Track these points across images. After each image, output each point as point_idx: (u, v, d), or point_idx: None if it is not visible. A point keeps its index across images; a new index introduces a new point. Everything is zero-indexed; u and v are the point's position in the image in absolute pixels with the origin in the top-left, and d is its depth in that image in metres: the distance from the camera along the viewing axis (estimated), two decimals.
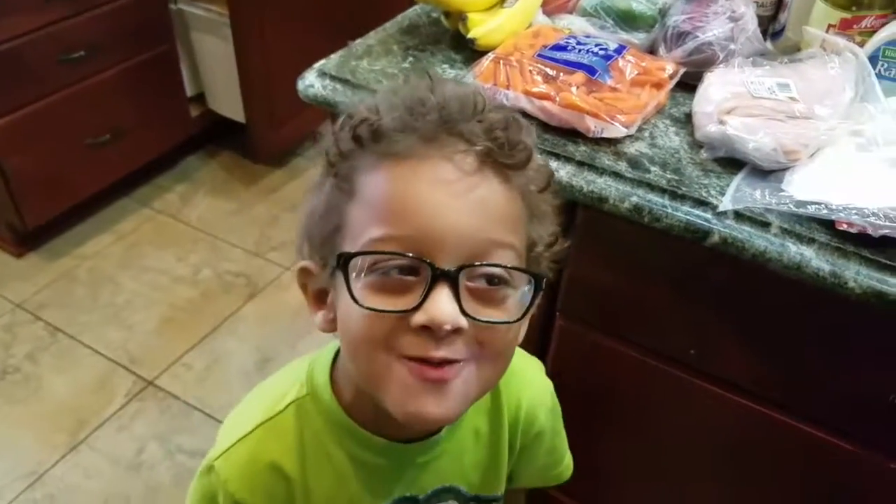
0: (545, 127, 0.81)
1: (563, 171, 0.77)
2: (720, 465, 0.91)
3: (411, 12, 1.03)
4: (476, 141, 0.51)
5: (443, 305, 0.49)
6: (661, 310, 0.83)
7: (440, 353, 0.51)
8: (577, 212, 0.81)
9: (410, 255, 0.50)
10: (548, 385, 0.75)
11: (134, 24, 2.00)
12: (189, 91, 2.24)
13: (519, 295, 0.54)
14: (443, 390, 0.52)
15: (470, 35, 0.92)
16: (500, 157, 0.52)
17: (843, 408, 0.78)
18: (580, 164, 0.78)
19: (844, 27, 0.84)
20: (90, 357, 1.79)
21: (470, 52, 0.93)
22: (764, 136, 0.73)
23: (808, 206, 0.69)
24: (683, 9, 0.88)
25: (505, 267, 0.52)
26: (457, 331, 0.50)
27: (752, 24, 0.86)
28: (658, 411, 0.91)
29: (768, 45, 0.91)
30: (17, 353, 1.80)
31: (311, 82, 0.90)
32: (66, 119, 1.94)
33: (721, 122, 0.76)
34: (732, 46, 0.86)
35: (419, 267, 0.50)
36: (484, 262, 0.51)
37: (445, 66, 0.92)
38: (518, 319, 0.53)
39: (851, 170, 0.72)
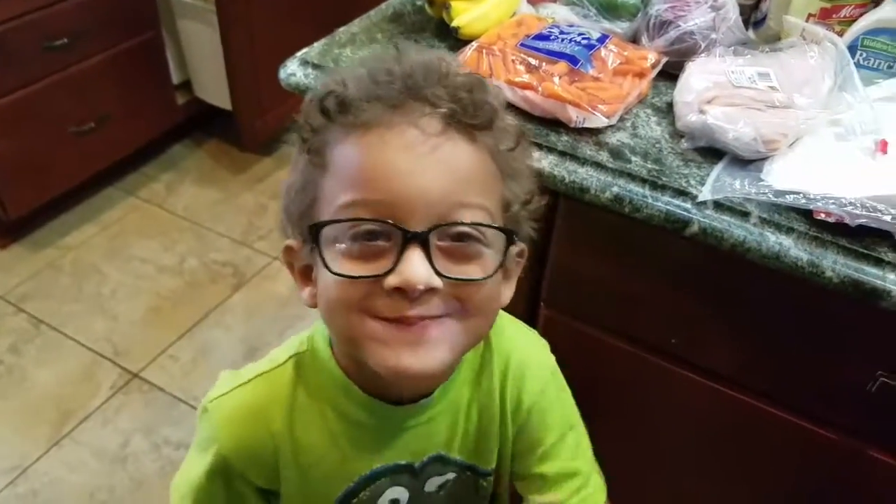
0: (528, 117, 0.81)
1: (545, 161, 0.77)
2: (704, 454, 0.92)
3: (395, 1, 1.03)
4: (440, 104, 0.52)
5: (415, 267, 0.50)
6: (643, 299, 0.83)
7: (415, 311, 0.52)
8: (559, 201, 0.81)
9: (380, 219, 0.51)
10: (546, 360, 0.72)
11: (119, 10, 1.98)
12: (175, 79, 2.22)
13: (493, 252, 0.55)
14: (421, 343, 0.53)
15: (454, 24, 0.92)
16: (465, 118, 0.53)
17: (822, 396, 0.79)
18: (562, 154, 0.78)
19: (824, 16, 0.84)
20: (75, 349, 1.78)
21: (454, 40, 0.93)
22: (744, 126, 0.74)
23: (787, 196, 0.69)
24: None
25: (473, 224, 0.53)
26: (431, 290, 0.52)
27: (733, 13, 0.86)
28: (642, 400, 0.92)
29: (750, 34, 0.91)
30: (0, 345, 1.79)
31: (293, 71, 0.89)
32: (50, 107, 1.92)
33: (702, 112, 0.76)
34: (714, 36, 0.86)
35: (390, 231, 0.51)
36: (453, 222, 0.52)
37: (446, 50, 0.92)
38: (491, 275, 0.54)
39: (830, 159, 0.72)
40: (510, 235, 0.55)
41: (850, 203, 0.67)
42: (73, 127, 1.98)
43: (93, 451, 1.57)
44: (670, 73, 0.86)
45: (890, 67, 0.81)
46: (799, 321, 0.76)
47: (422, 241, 0.51)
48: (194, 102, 2.30)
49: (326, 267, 0.52)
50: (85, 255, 2.04)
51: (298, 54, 0.91)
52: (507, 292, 0.61)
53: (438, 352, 0.54)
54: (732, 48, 0.86)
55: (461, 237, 0.53)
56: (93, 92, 2.01)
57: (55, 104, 1.93)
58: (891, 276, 0.66)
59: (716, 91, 0.78)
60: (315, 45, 0.93)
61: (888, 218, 0.65)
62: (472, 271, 0.54)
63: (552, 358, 0.73)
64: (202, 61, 2.20)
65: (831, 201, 0.68)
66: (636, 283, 0.82)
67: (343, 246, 0.52)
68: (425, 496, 0.69)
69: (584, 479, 0.71)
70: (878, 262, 0.67)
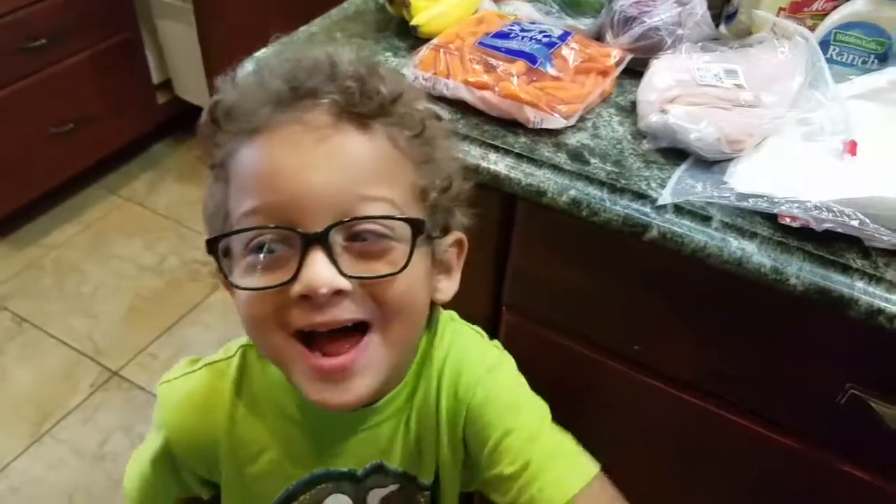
0: (486, 118, 0.79)
1: (502, 164, 0.75)
2: (667, 462, 0.89)
3: None
4: (327, 97, 0.49)
5: (317, 270, 0.48)
6: (605, 305, 0.80)
7: (326, 317, 0.49)
8: (517, 204, 0.78)
9: (273, 225, 0.48)
10: (484, 359, 0.66)
11: (96, 10, 1.96)
12: (155, 78, 2.20)
13: (405, 246, 0.51)
14: (345, 376, 0.51)
15: (413, 22, 0.89)
16: (354, 108, 0.50)
17: (790, 406, 0.76)
18: (519, 156, 0.75)
19: (795, 10, 0.81)
20: (56, 347, 1.77)
21: (414, 39, 0.90)
22: (707, 126, 0.71)
23: (750, 199, 0.66)
24: None
25: (372, 218, 0.50)
26: (340, 293, 0.49)
27: (700, 7, 0.83)
28: (606, 407, 0.89)
29: (722, 29, 0.88)
30: None
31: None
32: (29, 108, 1.90)
33: (663, 111, 0.73)
34: (680, 31, 0.83)
35: (288, 236, 0.48)
36: (353, 218, 0.49)
37: (389, 53, 0.89)
38: (402, 269, 0.51)
39: (797, 160, 0.69)
40: (417, 226, 0.52)
41: (816, 207, 0.64)
42: (52, 128, 1.96)
43: (72, 450, 1.56)
44: (636, 71, 0.83)
45: (864, 63, 0.78)
46: (766, 330, 0.73)
47: (322, 241, 0.48)
48: (175, 101, 2.27)
49: (231, 283, 0.50)
50: (67, 254, 2.02)
51: (256, 54, 0.88)
52: (449, 287, 0.59)
53: (364, 381, 0.52)
54: (700, 44, 0.82)
55: (366, 234, 0.50)
56: (72, 92, 1.98)
57: (34, 105, 1.91)
58: (859, 283, 0.63)
59: (679, 89, 0.75)
60: (272, 45, 0.90)
61: (855, 223, 0.62)
62: (381, 268, 0.51)
63: (494, 354, 0.68)
64: (182, 60, 2.17)
65: (796, 205, 0.65)
66: (598, 288, 0.79)
67: (247, 259, 0.50)
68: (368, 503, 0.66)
69: (537, 467, 0.62)
70: (846, 269, 0.64)
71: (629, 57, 0.84)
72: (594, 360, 0.85)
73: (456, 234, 0.59)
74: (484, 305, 0.89)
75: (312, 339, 0.52)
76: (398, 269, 0.51)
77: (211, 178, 0.53)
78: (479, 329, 0.70)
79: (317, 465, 0.63)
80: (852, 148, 0.67)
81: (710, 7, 0.87)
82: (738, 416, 0.79)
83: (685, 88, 0.75)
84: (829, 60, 0.78)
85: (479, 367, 0.65)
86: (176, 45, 2.15)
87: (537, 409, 0.67)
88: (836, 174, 0.66)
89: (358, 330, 0.52)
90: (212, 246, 0.50)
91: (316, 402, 0.52)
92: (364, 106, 0.50)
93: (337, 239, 0.49)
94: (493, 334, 0.90)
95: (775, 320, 0.71)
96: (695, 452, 0.86)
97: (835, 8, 0.79)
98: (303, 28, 0.95)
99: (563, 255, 0.80)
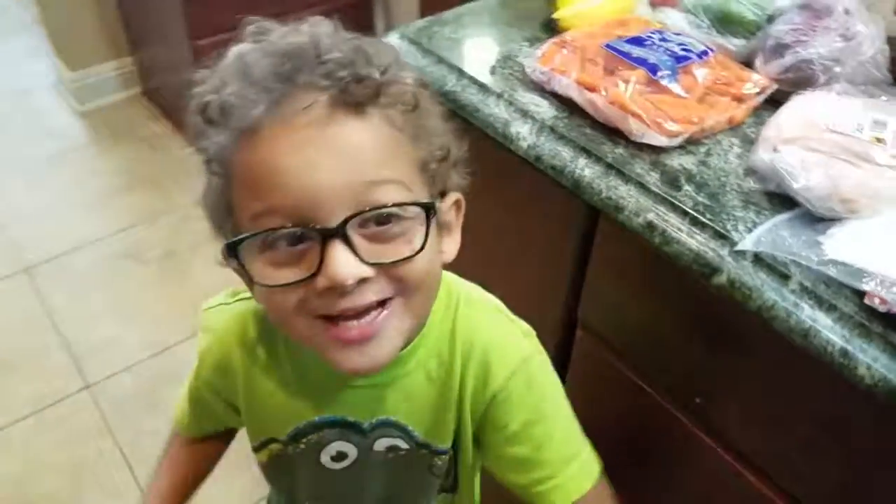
0: (591, 122, 0.75)
1: (588, 171, 0.72)
2: None
3: None
4: (321, 89, 0.49)
5: (340, 263, 0.49)
6: (670, 344, 0.74)
7: (355, 303, 0.52)
8: (599, 217, 0.74)
9: (290, 224, 0.50)
10: (518, 346, 0.65)
11: None
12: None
13: (419, 223, 0.53)
14: (369, 341, 0.53)
15: (555, 15, 0.87)
16: (349, 98, 0.50)
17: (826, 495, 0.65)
18: (609, 166, 0.71)
19: None
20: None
21: (556, 32, 0.88)
22: (818, 176, 0.62)
23: (836, 267, 0.58)
24: (792, 19, 0.76)
25: (387, 207, 0.51)
26: (363, 280, 0.51)
27: (870, 46, 0.72)
28: (660, 455, 0.82)
29: None
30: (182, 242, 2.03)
31: (390, 42, 0.90)
32: None
33: (775, 151, 0.65)
34: (838, 69, 0.73)
35: (306, 233, 0.50)
36: (366, 210, 0.50)
37: (525, 43, 0.88)
38: (421, 248, 0.52)
39: None
40: (429, 207, 0.53)
41: None
42: None
43: None
44: (781, 103, 0.75)
45: None
46: (822, 415, 0.63)
47: (340, 234, 0.50)
48: None
49: (256, 281, 0.53)
50: None
51: (398, 29, 0.92)
52: (452, 246, 0.60)
53: (387, 343, 0.55)
54: (863, 87, 0.72)
55: (383, 219, 0.51)
56: None
57: None
58: None
59: (802, 130, 0.66)
60: (419, 21, 0.93)
61: None
62: (401, 250, 0.52)
63: (530, 346, 0.66)
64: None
65: (891, 286, 0.55)
66: (666, 324, 0.74)
67: (265, 255, 0.52)
68: (374, 455, 0.68)
69: (551, 471, 0.64)
70: None
71: (773, 87, 0.76)
72: (656, 403, 0.78)
73: (454, 195, 0.59)
74: (555, 318, 0.86)
75: (335, 318, 0.54)
76: (416, 250, 0.52)
77: (207, 172, 0.55)
78: (499, 303, 0.68)
79: (323, 410, 0.66)
80: None
81: (893, 51, 0.76)
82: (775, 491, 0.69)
83: (810, 131, 0.66)
84: None
85: (513, 356, 0.64)
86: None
87: (561, 400, 0.67)
88: None
89: (379, 304, 0.54)
90: (231, 249, 0.53)
91: (346, 370, 0.54)
92: (358, 94, 0.50)
93: (354, 229, 0.50)
94: (563, 350, 0.88)
95: (840, 412, 0.61)
96: None
97: None
98: (453, 10, 0.97)
99: (636, 282, 0.75)
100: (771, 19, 0.79)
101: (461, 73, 0.84)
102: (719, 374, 0.71)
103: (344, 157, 0.50)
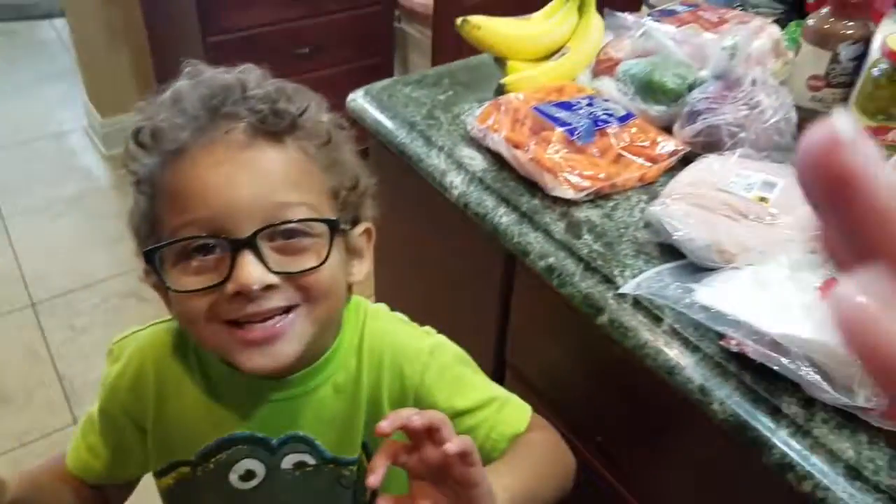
0: (516, 175, 0.82)
1: (506, 219, 0.78)
2: None
3: (483, 57, 1.08)
4: (242, 118, 0.56)
5: (248, 270, 0.55)
6: (575, 384, 0.79)
7: (261, 307, 0.57)
8: (516, 262, 0.80)
9: (205, 234, 0.56)
10: (423, 344, 0.69)
11: (359, 34, 2.27)
12: None
13: (323, 240, 0.58)
14: (270, 342, 0.58)
15: (502, 80, 0.95)
16: (268, 128, 0.57)
17: None
18: (524, 215, 0.77)
19: (875, 135, 0.73)
20: None
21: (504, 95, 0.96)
22: (698, 229, 0.68)
23: (700, 312, 0.63)
24: (707, 89, 0.82)
25: (293, 221, 0.57)
26: (269, 287, 0.56)
27: (775, 114, 0.78)
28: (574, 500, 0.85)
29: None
30: None
31: (355, 98, 1.00)
32: None
33: (664, 205, 0.71)
34: (743, 134, 0.79)
35: (219, 243, 0.56)
36: (275, 224, 0.56)
37: (476, 104, 0.96)
38: (325, 260, 0.58)
39: (772, 286, 0.63)
40: (332, 224, 0.59)
41: (759, 336, 0.59)
42: None
43: None
44: None
45: None
46: (696, 457, 0.67)
47: (250, 245, 0.56)
48: None
49: (171, 287, 0.59)
50: None
51: (364, 87, 1.01)
52: (363, 269, 0.65)
53: (288, 346, 0.59)
54: (766, 152, 0.78)
55: (290, 234, 0.57)
56: (326, 97, 2.32)
57: None
58: (783, 431, 0.57)
59: (693, 188, 0.72)
60: (384, 80, 1.02)
61: (786, 361, 0.56)
62: (305, 261, 0.58)
63: (432, 339, 0.70)
64: None
65: (744, 331, 0.60)
66: (570, 365, 0.78)
67: (181, 265, 0.58)
68: (282, 473, 0.70)
69: (484, 416, 0.66)
70: (775, 412, 0.58)
71: (686, 150, 0.82)
72: (572, 445, 0.82)
73: (365, 224, 0.65)
74: (488, 361, 0.91)
75: (242, 323, 0.59)
76: (321, 260, 0.58)
77: (135, 192, 0.62)
78: (402, 316, 0.73)
79: (235, 427, 0.69)
80: (826, 286, 0.60)
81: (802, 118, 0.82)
82: None
83: (700, 189, 0.72)
84: None
85: (421, 352, 0.68)
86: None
87: (473, 368, 0.70)
88: (798, 310, 0.60)
89: (284, 311, 0.59)
90: (150, 255, 0.58)
91: (248, 369, 0.59)
92: (275, 125, 0.57)
93: (264, 241, 0.57)
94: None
95: (702, 445, 0.65)
96: None
97: None
98: (426, 70, 1.06)
99: (546, 325, 0.81)
100: (691, 89, 0.85)
101: (412, 126, 0.92)
102: (613, 414, 0.75)
103: (259, 177, 0.57)
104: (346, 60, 2.31)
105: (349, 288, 0.66)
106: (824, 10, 0.86)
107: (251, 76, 0.60)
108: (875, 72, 0.75)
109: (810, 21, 0.87)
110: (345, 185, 0.62)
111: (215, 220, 0.56)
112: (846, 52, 0.83)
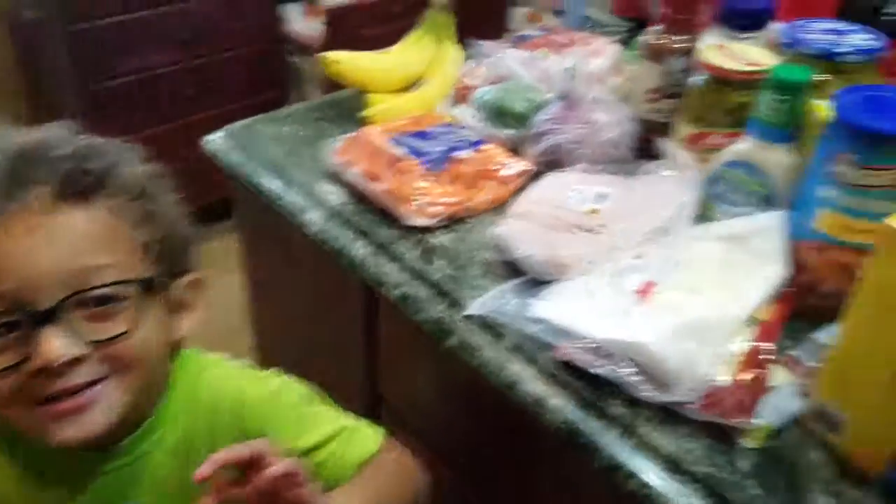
0: (373, 208, 0.84)
1: (363, 251, 0.80)
2: None
3: (346, 92, 1.09)
4: (44, 182, 0.55)
5: (50, 344, 0.53)
6: (440, 411, 0.81)
7: (66, 383, 0.55)
8: (374, 291, 0.82)
9: (2, 310, 0.53)
10: (264, 390, 0.67)
11: (253, 70, 2.27)
12: None
13: (138, 301, 0.57)
14: (82, 412, 0.56)
15: (363, 113, 0.98)
16: (73, 188, 0.55)
17: None
18: (380, 246, 0.79)
19: (693, 142, 0.78)
20: None
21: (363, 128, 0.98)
22: (535, 245, 0.71)
23: (534, 326, 0.65)
24: (551, 109, 0.86)
25: (100, 286, 0.55)
26: (77, 360, 0.54)
27: (608, 131, 0.82)
28: None
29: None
30: None
31: (213, 139, 1.00)
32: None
33: (507, 224, 0.74)
34: (581, 151, 0.83)
35: (19, 319, 0.54)
36: (79, 291, 0.54)
37: (340, 136, 0.98)
38: (129, 329, 0.56)
39: (598, 293, 0.66)
40: (145, 283, 0.57)
41: (582, 341, 0.62)
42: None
43: None
44: None
45: (749, 203, 0.73)
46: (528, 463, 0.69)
47: (51, 317, 0.53)
48: None
49: None
50: None
51: (226, 127, 1.02)
52: (190, 323, 0.63)
53: (100, 415, 0.57)
54: (602, 166, 0.82)
55: (101, 300, 0.56)
56: None
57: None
58: (610, 433, 0.59)
59: (534, 205, 0.75)
60: (245, 119, 1.03)
61: (608, 365, 0.60)
62: (117, 327, 0.56)
63: (274, 381, 0.68)
64: None
65: (570, 338, 0.63)
66: (433, 393, 0.80)
67: None
68: None
69: (334, 447, 0.66)
70: (602, 415, 0.60)
71: (533, 170, 0.85)
72: (447, 476, 0.82)
73: (192, 275, 0.64)
74: (362, 397, 0.92)
75: (50, 399, 0.56)
76: (133, 325, 0.57)
77: None
78: (246, 362, 0.72)
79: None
80: (645, 289, 0.63)
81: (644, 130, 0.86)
82: None
83: (542, 206, 0.75)
84: (718, 196, 0.74)
85: (262, 399, 0.67)
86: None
87: (331, 411, 0.69)
88: (619, 315, 0.63)
89: (92, 384, 0.57)
90: None
91: (57, 443, 0.57)
92: (81, 184, 0.56)
93: (73, 311, 0.55)
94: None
95: (549, 456, 0.68)
96: None
97: (730, 143, 0.75)
98: (295, 106, 1.08)
99: (410, 353, 0.82)
100: (538, 111, 0.89)
101: (270, 165, 0.93)
102: (472, 435, 0.77)
103: (62, 244, 0.55)
104: (242, 97, 2.31)
105: (177, 344, 0.64)
106: (657, 27, 0.92)
107: (57, 135, 0.59)
108: (695, 82, 0.80)
109: (645, 38, 0.92)
110: (157, 238, 0.60)
111: (20, 292, 0.54)
112: (676, 64, 0.88)
